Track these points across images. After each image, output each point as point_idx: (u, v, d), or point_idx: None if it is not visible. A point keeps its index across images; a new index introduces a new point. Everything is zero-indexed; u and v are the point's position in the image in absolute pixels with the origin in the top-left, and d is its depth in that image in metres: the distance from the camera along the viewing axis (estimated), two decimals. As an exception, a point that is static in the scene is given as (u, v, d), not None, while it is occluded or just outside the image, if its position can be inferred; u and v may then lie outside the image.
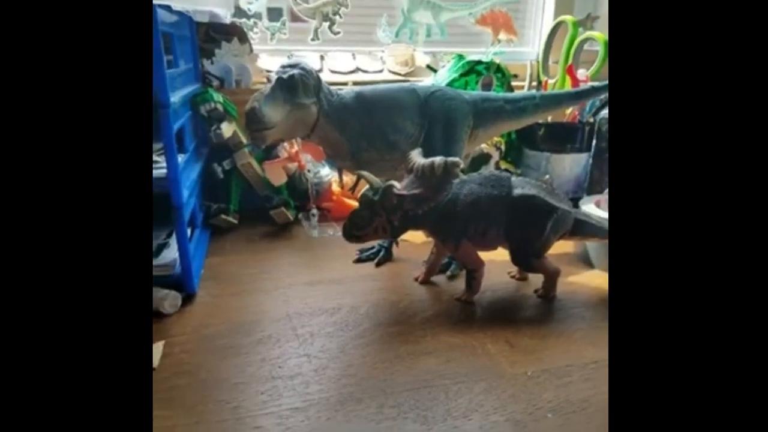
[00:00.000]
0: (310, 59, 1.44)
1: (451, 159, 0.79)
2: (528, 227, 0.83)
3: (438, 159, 0.79)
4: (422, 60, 1.53)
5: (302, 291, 0.91)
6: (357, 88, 0.93)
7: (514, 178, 0.85)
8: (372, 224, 0.80)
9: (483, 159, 1.26)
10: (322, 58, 1.51)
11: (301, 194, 1.24)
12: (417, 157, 0.82)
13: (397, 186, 0.80)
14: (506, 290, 0.93)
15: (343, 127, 0.89)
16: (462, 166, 0.79)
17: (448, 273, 0.97)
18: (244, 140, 1.21)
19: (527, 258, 0.85)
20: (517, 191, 0.83)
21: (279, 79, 0.83)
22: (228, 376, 0.67)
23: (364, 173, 0.84)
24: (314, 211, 1.21)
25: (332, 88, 0.91)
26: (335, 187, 1.25)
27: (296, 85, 0.83)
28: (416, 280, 0.95)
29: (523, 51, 1.79)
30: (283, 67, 0.86)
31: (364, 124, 0.90)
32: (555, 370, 0.69)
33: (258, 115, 0.79)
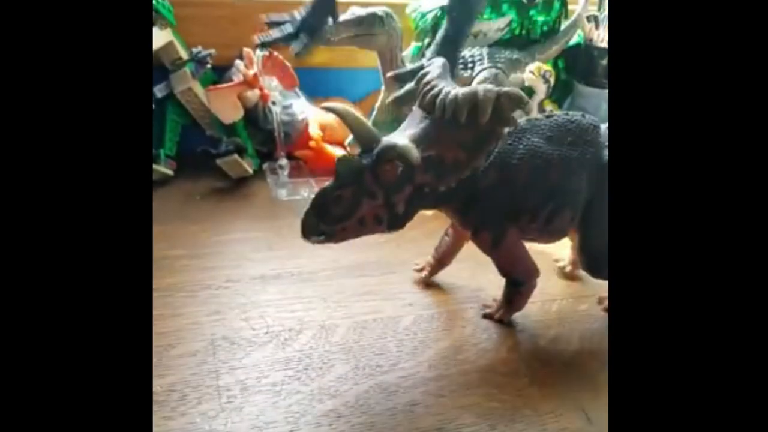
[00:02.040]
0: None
1: (506, 90, 0.43)
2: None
3: (482, 88, 0.44)
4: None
5: (247, 293, 0.59)
6: None
7: (603, 128, 0.51)
8: (357, 212, 0.45)
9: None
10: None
11: (264, 137, 0.89)
12: (439, 79, 0.46)
13: (403, 145, 0.45)
14: (562, 301, 0.61)
15: None
16: (528, 104, 0.44)
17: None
18: (185, 55, 0.85)
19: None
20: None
21: None
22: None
23: (343, 108, 0.46)
24: (283, 161, 0.86)
25: None
26: (314, 129, 0.90)
27: None
28: (420, 271, 0.62)
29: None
30: None
31: None
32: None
33: None
